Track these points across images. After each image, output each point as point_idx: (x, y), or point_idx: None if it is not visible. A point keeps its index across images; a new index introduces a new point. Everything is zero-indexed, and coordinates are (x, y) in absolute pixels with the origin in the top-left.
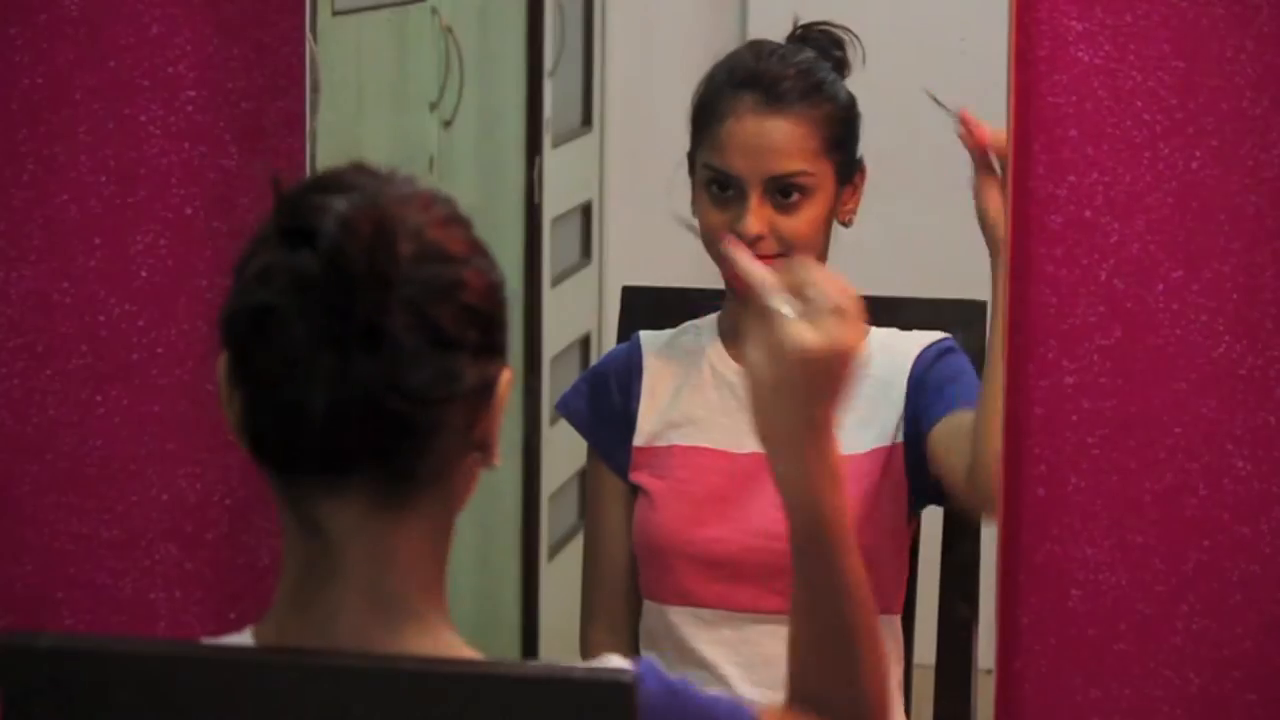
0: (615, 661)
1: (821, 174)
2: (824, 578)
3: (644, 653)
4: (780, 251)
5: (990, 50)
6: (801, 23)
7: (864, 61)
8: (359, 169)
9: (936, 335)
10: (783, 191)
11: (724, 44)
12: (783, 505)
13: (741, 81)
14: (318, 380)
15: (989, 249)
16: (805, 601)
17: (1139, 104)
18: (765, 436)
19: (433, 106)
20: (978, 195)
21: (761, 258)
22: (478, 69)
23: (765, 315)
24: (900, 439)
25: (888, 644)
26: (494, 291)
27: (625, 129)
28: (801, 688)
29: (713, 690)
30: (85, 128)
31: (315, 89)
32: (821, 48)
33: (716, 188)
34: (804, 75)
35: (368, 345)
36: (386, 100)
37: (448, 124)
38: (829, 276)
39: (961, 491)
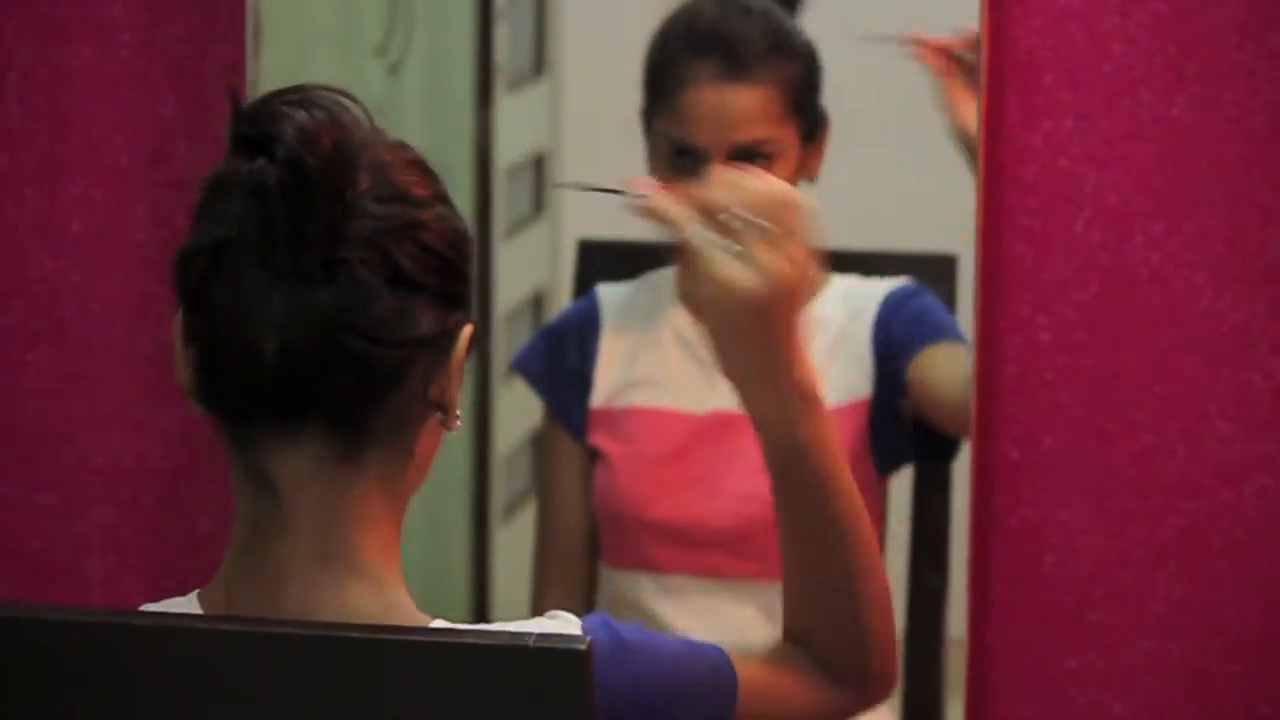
0: (563, 617)
1: (786, 138)
2: (811, 511)
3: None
4: None
5: None
6: None
7: None
8: (325, 89)
9: (900, 280)
10: (746, 158)
11: None
12: (761, 444)
13: (701, 45)
14: (271, 314)
15: (971, 166)
16: (795, 537)
17: (1117, 48)
18: (730, 378)
19: (379, 52)
20: (950, 110)
21: None
22: (426, 12)
23: (693, 252)
24: (868, 393)
25: None
26: (457, 239)
27: (581, 75)
28: (797, 626)
29: (673, 638)
30: (15, 74)
31: (256, 34)
32: None
33: (676, 155)
34: (766, 35)
35: (323, 276)
36: (331, 45)
37: (394, 69)
38: (744, 191)
39: (953, 411)
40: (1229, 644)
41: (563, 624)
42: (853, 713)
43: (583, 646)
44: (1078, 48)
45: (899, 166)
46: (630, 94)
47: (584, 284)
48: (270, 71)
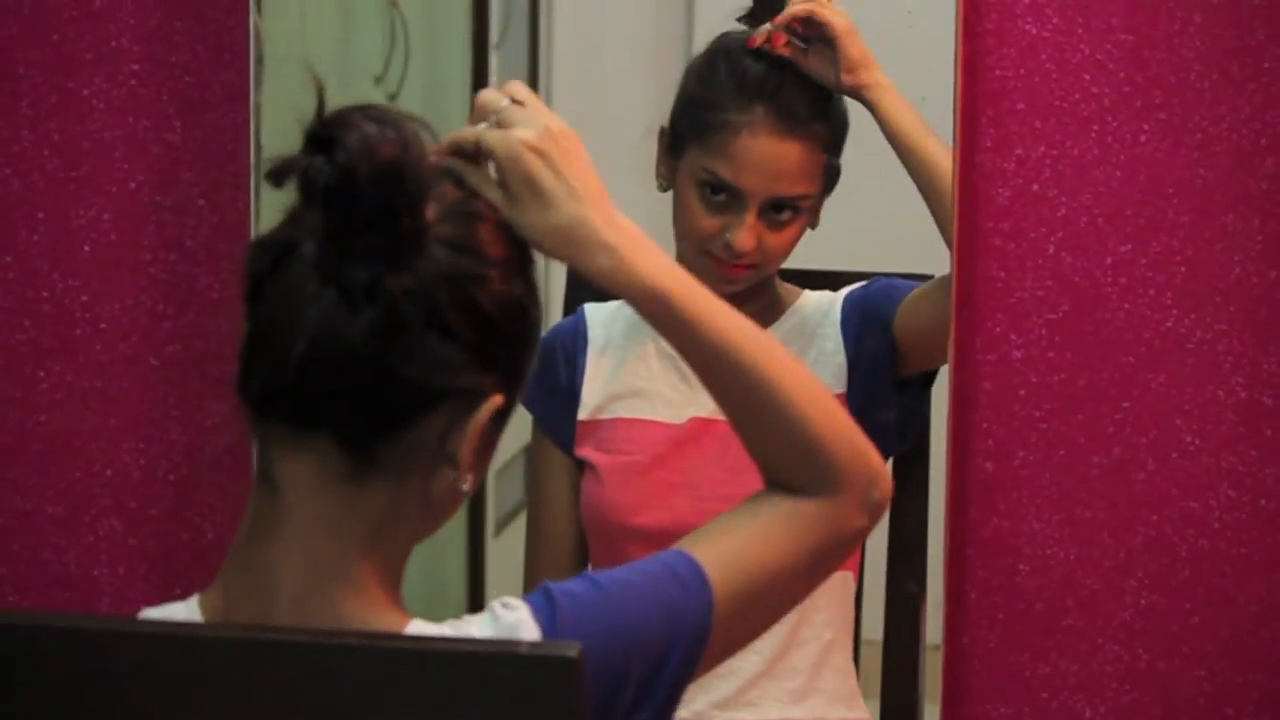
0: (510, 604)
1: (816, 193)
2: (704, 342)
3: None
4: (757, 263)
5: (938, 22)
6: None
7: None
8: (415, 119)
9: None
10: (776, 208)
11: (672, 15)
12: (622, 296)
13: (755, 93)
14: (308, 318)
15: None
16: (707, 376)
17: (1087, 77)
18: (549, 246)
19: (377, 80)
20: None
21: (739, 268)
22: (423, 42)
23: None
24: (841, 389)
25: (844, 602)
26: (513, 307)
27: (572, 103)
28: (760, 463)
29: (624, 573)
30: (28, 102)
31: (259, 62)
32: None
33: (710, 190)
34: (817, 93)
35: (365, 297)
36: (331, 73)
37: (393, 97)
38: (490, 91)
39: (937, 325)
40: (1195, 650)
41: (512, 611)
42: (860, 525)
43: (573, 654)
44: (1049, 77)
45: (885, 190)
46: (620, 121)
47: (573, 303)
48: (272, 99)
